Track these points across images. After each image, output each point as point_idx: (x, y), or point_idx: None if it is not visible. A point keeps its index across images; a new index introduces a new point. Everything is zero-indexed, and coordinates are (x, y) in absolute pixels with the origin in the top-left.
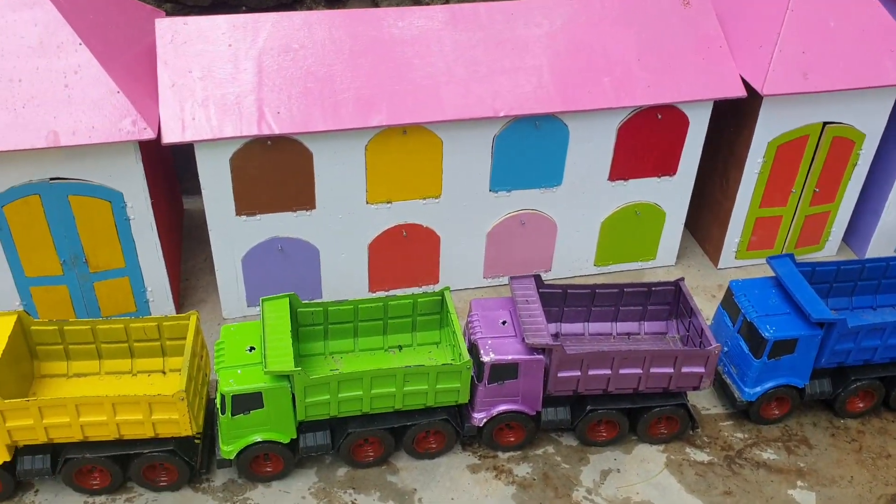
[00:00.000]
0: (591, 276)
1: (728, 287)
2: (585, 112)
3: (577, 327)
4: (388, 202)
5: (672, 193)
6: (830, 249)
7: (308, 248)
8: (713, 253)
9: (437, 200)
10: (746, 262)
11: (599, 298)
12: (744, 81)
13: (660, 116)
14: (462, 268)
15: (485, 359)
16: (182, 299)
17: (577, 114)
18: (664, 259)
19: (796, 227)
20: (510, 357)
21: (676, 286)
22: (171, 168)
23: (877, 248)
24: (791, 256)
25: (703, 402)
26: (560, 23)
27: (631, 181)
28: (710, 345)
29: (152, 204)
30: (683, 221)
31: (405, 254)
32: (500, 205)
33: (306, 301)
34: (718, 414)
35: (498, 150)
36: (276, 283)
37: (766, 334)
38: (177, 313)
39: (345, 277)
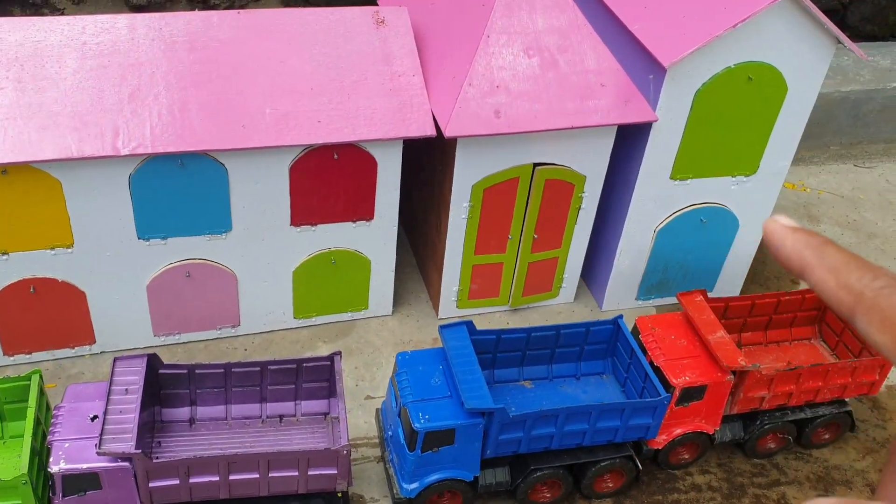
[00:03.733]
0: (294, 329)
1: (395, 359)
2: (242, 150)
3: (218, 411)
4: (3, 253)
5: (373, 239)
6: (567, 296)
7: None
8: (435, 301)
9: (69, 250)
10: (471, 312)
11: (238, 378)
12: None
13: (336, 156)
14: (124, 325)
15: (53, 469)
16: None
17: (233, 152)
18: (378, 309)
19: (520, 275)
20: (86, 466)
21: (331, 361)
22: None
23: (614, 295)
24: (469, 324)
25: (374, 490)
26: (212, 39)
27: (320, 227)
28: (341, 442)
29: None
30: (393, 268)
31: (42, 313)
32: (157, 254)
33: None
34: None
35: (137, 192)
36: None
37: (417, 425)
38: None
39: None
